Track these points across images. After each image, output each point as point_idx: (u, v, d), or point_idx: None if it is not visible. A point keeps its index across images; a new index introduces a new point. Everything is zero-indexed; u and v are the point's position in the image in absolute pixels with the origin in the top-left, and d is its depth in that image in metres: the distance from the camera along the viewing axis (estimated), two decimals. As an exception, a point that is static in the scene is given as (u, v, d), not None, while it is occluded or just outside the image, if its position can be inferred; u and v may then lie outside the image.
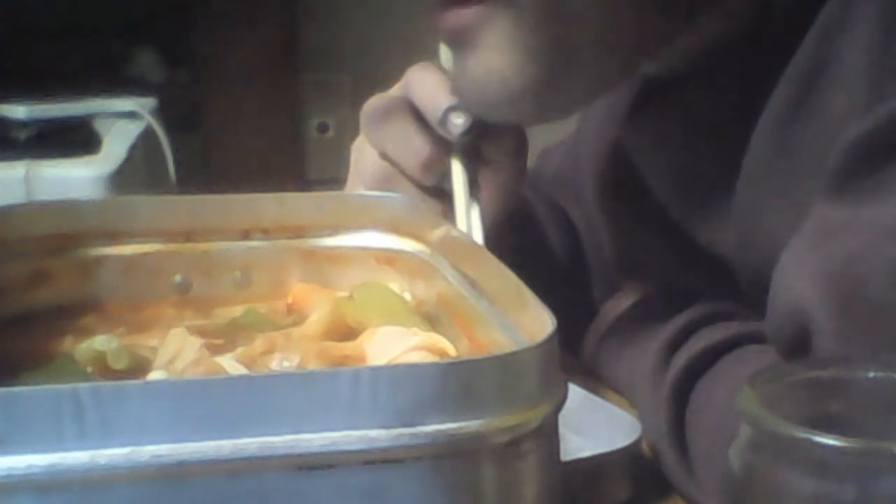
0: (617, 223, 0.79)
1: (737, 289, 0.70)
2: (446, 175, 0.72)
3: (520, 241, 0.78)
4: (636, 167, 0.75)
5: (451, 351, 0.51)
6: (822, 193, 0.59)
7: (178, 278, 0.61)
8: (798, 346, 0.57)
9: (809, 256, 0.58)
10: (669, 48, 0.68)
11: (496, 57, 0.65)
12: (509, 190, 0.74)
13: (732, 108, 0.67)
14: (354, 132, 0.76)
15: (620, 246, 0.80)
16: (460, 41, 0.67)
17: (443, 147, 0.71)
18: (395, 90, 0.74)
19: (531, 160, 0.89)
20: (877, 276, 0.55)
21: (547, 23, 0.64)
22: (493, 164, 0.73)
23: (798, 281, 0.58)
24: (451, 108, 0.70)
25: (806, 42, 0.62)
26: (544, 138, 0.92)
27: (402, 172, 0.72)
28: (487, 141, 0.72)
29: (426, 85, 0.71)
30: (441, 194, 0.71)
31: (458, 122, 0.70)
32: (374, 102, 0.74)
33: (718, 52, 0.67)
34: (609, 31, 0.65)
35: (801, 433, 0.39)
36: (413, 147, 0.72)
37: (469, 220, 0.70)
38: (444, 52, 0.72)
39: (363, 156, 0.75)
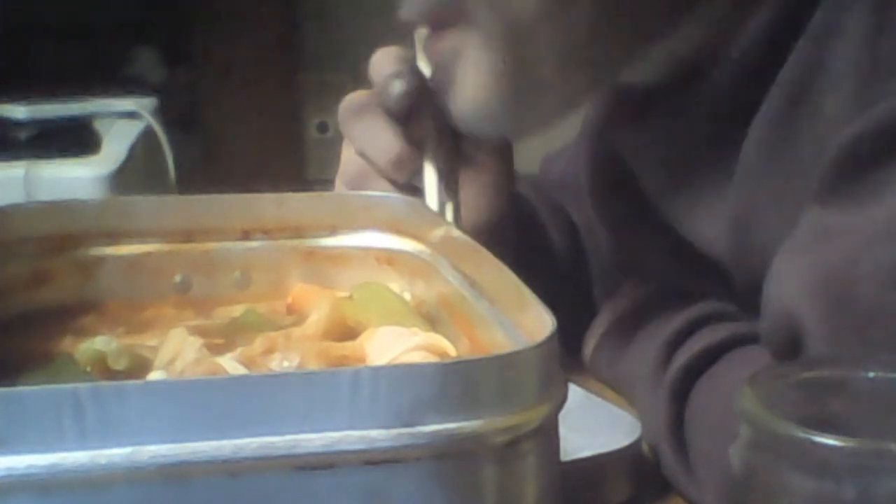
0: (613, 225, 0.80)
1: (734, 290, 0.70)
2: (420, 173, 0.72)
3: (521, 241, 0.78)
4: (632, 170, 0.75)
5: (451, 351, 0.51)
6: (813, 197, 0.59)
7: (178, 278, 0.61)
8: (790, 349, 0.58)
9: (800, 260, 0.58)
10: (644, 59, 0.68)
11: (469, 79, 0.67)
12: (495, 190, 0.75)
13: (726, 113, 0.67)
14: (354, 132, 0.76)
15: (618, 247, 0.80)
16: (441, 64, 0.69)
17: (414, 145, 0.72)
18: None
19: (535, 165, 0.89)
20: (867, 280, 0.55)
21: (508, 46, 0.65)
22: (475, 163, 0.74)
23: (789, 285, 0.58)
24: (394, 75, 0.70)
25: (798, 47, 0.62)
26: (547, 144, 0.92)
27: (376, 170, 0.73)
28: (468, 140, 0.73)
29: (380, 60, 0.72)
30: (416, 192, 0.72)
31: (397, 86, 0.70)
32: (349, 99, 0.75)
33: (710, 59, 0.67)
34: (570, 51, 0.66)
35: (801, 433, 0.39)
36: (383, 144, 0.72)
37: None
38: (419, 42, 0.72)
39: (344, 153, 0.76)
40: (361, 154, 0.73)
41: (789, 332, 0.57)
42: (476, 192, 0.73)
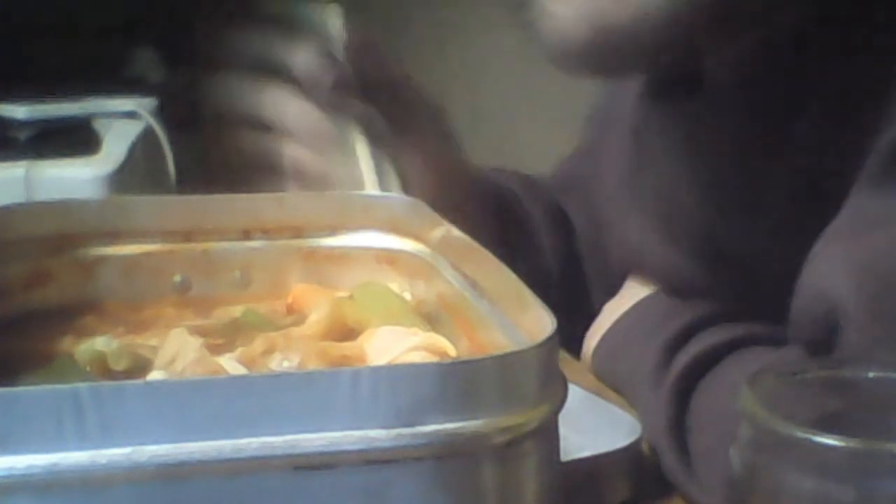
0: (632, 219, 0.79)
1: (742, 288, 0.70)
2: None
3: (509, 244, 0.78)
4: (657, 162, 0.74)
5: (451, 351, 0.51)
6: (861, 185, 0.59)
7: (178, 278, 0.61)
8: (822, 333, 0.57)
9: (844, 245, 0.58)
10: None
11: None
12: (435, 165, 0.75)
13: (773, 110, 0.66)
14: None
15: (629, 244, 0.80)
16: None
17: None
18: None
19: (547, 167, 0.89)
20: None
21: None
22: (407, 144, 0.74)
23: (830, 268, 0.58)
24: (321, 66, 0.72)
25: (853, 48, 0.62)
26: (548, 143, 0.92)
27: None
28: (395, 121, 0.73)
29: (303, 60, 0.73)
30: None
31: (326, 77, 0.72)
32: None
33: (763, 59, 0.66)
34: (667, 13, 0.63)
35: (801, 433, 0.39)
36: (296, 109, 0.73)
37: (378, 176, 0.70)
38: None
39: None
40: (272, 123, 0.74)
41: (825, 317, 0.57)
42: (418, 171, 0.73)
